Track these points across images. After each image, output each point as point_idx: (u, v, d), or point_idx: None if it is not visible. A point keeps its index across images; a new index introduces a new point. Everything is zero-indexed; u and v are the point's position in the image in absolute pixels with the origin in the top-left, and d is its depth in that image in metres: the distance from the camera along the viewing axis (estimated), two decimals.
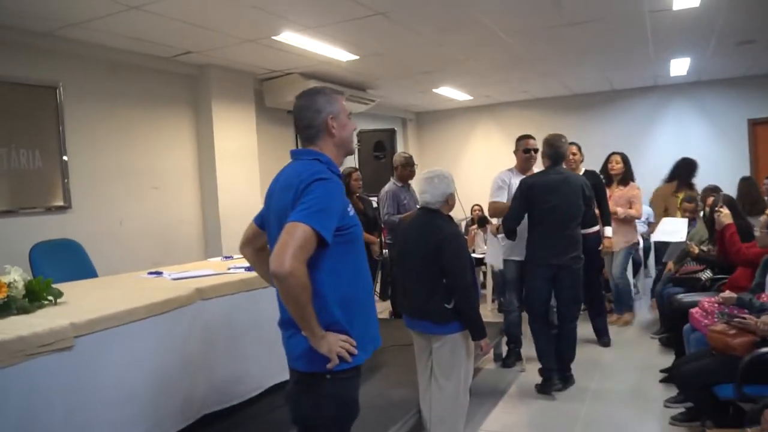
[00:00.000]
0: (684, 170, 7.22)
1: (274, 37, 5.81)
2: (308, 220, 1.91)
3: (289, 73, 7.54)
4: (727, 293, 3.93)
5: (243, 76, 7.29)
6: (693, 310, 4.14)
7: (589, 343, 5.89)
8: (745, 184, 6.47)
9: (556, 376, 4.78)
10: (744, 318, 3.40)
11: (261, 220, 2.37)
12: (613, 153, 6.56)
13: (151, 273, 3.92)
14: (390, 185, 6.10)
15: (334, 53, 6.57)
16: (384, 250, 6.86)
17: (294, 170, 2.14)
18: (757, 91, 9.64)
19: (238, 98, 7.25)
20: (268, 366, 3.61)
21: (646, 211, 9.28)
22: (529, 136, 5.30)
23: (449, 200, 3.50)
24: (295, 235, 1.88)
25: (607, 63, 8.04)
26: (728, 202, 4.96)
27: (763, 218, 4.43)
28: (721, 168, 9.48)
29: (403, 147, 11.68)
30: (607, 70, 8.63)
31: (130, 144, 6.15)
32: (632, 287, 7.29)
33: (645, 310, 7.12)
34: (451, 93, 9.78)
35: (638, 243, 6.99)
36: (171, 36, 5.57)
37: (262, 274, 2.49)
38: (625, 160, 6.46)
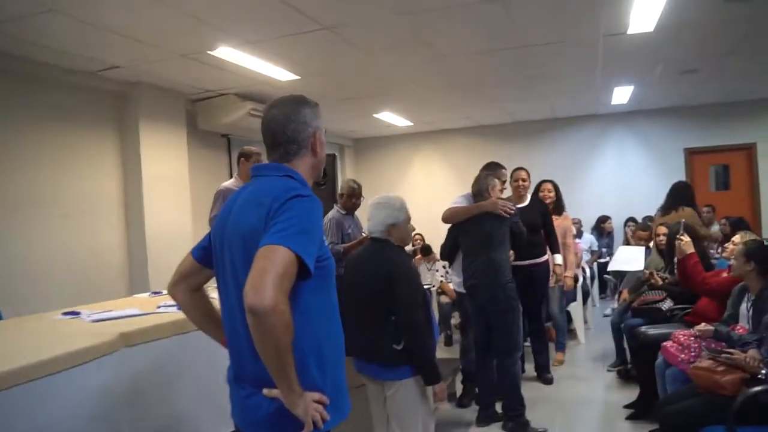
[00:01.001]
0: (688, 194, 6.21)
1: (209, 52, 5.38)
2: (289, 243, 1.53)
3: (224, 94, 7.10)
4: (704, 326, 3.70)
5: (174, 96, 6.79)
6: (666, 344, 3.89)
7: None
8: (680, 185, 6.35)
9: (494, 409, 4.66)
10: (731, 353, 3.15)
11: (203, 253, 1.94)
12: (544, 181, 6.10)
13: (66, 314, 3.37)
14: (333, 212, 5.71)
15: (274, 72, 6.18)
16: None
17: (262, 187, 1.76)
18: (693, 121, 9.83)
19: (169, 119, 6.74)
20: (205, 418, 3.12)
21: (589, 239, 9.21)
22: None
23: (392, 231, 3.13)
24: (275, 260, 1.50)
25: (554, 89, 7.93)
26: (688, 229, 4.78)
27: (734, 247, 4.26)
28: (660, 196, 9.51)
29: (340, 174, 11.32)
30: (552, 97, 8.55)
31: (45, 167, 5.55)
32: (584, 320, 7.10)
33: (597, 342, 6.89)
34: (392, 119, 9.50)
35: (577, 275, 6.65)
36: (97, 47, 5.06)
37: (197, 319, 2.02)
38: (557, 189, 6.07)
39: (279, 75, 6.30)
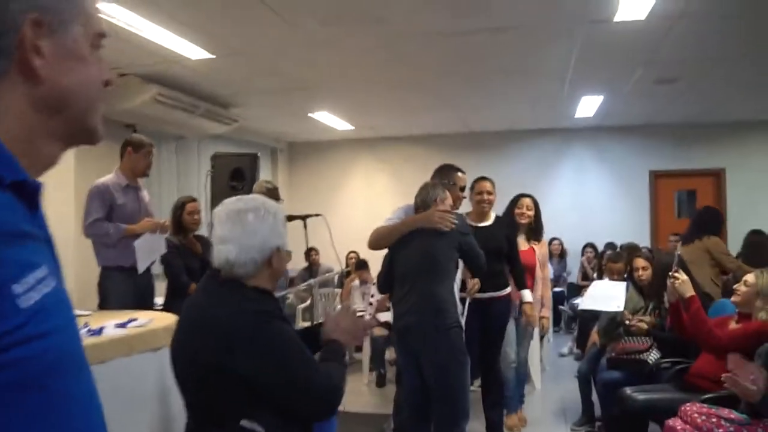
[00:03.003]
0: (716, 221, 5.46)
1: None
2: None
3: (125, 74, 5.84)
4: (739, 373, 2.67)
5: None
6: (675, 424, 2.87)
7: None
8: (756, 237, 5.43)
9: None
10: None
11: None
12: (522, 195, 4.88)
13: None
14: None
15: (181, 47, 5.01)
16: None
17: None
18: (660, 141, 9.08)
19: None
20: None
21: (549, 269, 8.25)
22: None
23: (274, 261, 1.87)
24: None
25: (517, 93, 6.95)
26: (683, 265, 3.81)
27: (747, 289, 3.31)
28: (622, 220, 8.93)
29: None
30: (513, 103, 7.56)
31: None
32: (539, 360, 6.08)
33: (554, 388, 5.88)
34: (330, 120, 8.36)
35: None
36: None
37: None
38: (537, 207, 4.87)
39: (187, 51, 5.13)
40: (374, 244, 3.58)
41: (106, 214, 4.10)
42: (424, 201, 3.53)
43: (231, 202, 1.89)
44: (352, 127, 8.97)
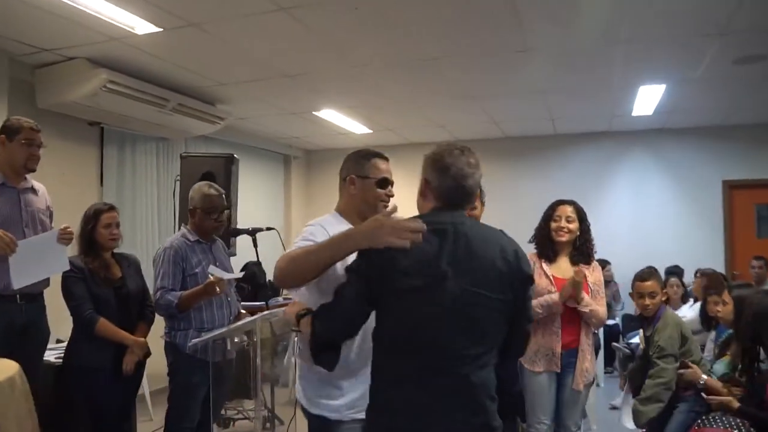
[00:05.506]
0: None
1: None
2: None
3: (72, 58, 4.86)
4: None
5: None
6: None
7: None
8: None
9: None
10: None
11: None
12: (561, 202, 3.58)
13: None
14: (175, 239, 3.49)
15: (121, 17, 4.03)
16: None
17: None
18: (734, 144, 7.77)
19: None
20: None
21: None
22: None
23: None
24: None
25: (554, 82, 5.67)
26: None
27: None
28: (689, 241, 7.70)
29: (283, 193, 9.02)
30: (551, 97, 6.31)
31: None
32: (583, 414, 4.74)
33: None
34: (340, 120, 7.22)
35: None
36: None
37: None
38: (582, 217, 3.52)
39: (129, 22, 4.12)
40: (286, 279, 2.03)
41: None
42: (454, 183, 1.88)
43: None
44: (369, 130, 7.82)
